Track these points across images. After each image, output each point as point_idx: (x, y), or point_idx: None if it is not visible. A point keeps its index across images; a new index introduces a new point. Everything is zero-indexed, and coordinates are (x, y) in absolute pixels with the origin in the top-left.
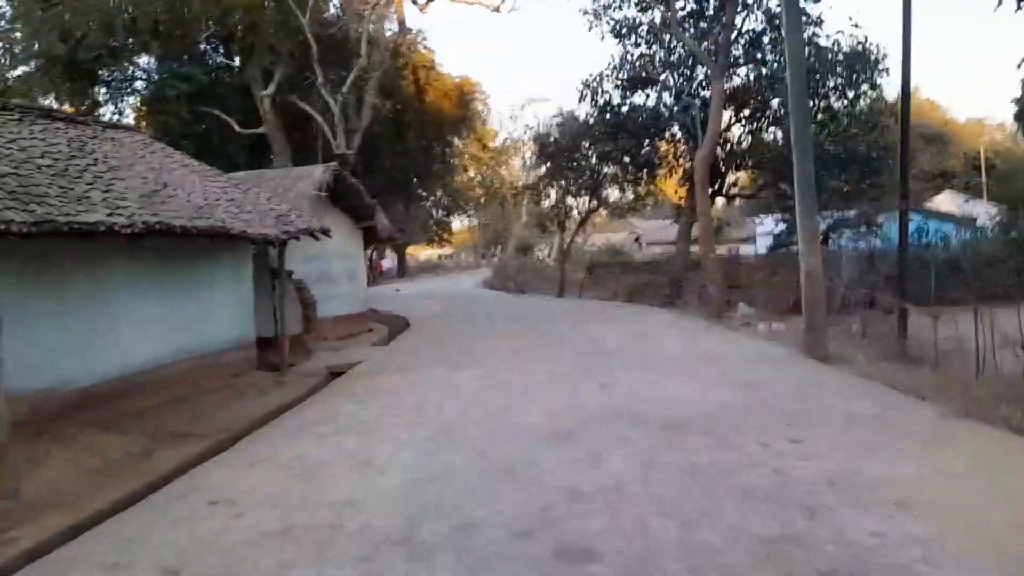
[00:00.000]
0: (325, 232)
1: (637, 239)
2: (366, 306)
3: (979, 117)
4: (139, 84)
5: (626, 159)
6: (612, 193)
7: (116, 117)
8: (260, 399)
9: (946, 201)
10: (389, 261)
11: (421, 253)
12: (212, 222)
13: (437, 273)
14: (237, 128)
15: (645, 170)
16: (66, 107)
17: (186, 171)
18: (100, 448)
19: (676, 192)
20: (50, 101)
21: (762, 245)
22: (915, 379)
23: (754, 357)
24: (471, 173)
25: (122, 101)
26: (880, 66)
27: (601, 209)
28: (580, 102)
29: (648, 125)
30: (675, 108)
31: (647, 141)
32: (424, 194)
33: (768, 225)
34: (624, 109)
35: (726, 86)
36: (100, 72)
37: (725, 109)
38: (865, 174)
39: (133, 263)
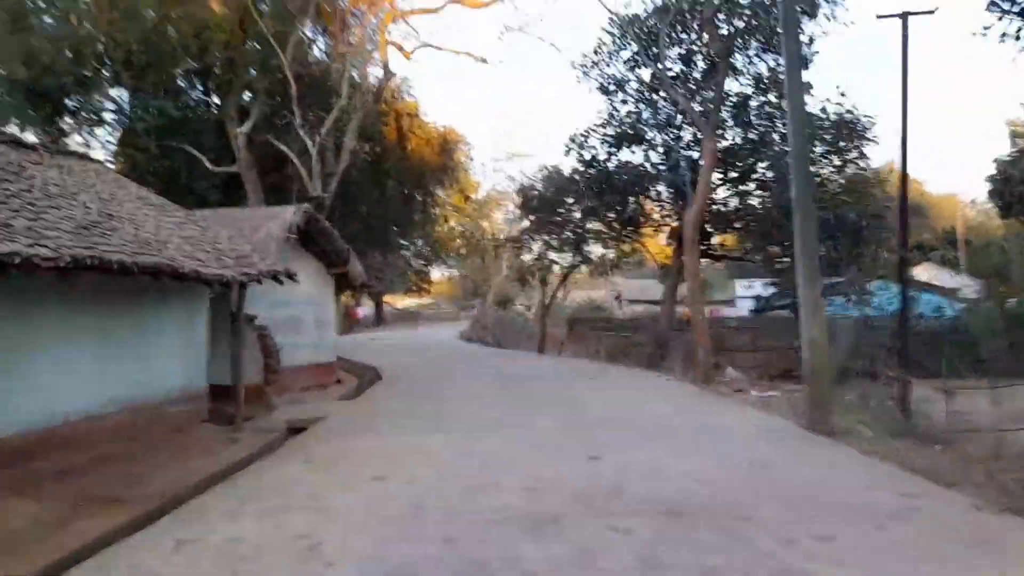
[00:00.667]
0: (291, 276)
1: (618, 296)
2: (335, 356)
3: (952, 192)
4: (109, 116)
5: (610, 215)
6: (595, 250)
7: (83, 149)
8: (205, 458)
9: (924, 273)
10: (365, 309)
11: (399, 302)
12: (158, 260)
13: (415, 323)
14: (209, 165)
15: (630, 227)
16: (29, 135)
17: (139, 204)
18: (5, 515)
19: (662, 251)
20: (11, 127)
21: (743, 307)
22: (932, 460)
23: (754, 430)
24: (452, 224)
25: (91, 132)
26: (867, 134)
27: (584, 265)
28: (567, 155)
29: (634, 182)
30: (662, 167)
31: (632, 199)
32: (403, 242)
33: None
34: (611, 166)
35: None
36: (67, 101)
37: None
38: (855, 241)
39: (66, 302)
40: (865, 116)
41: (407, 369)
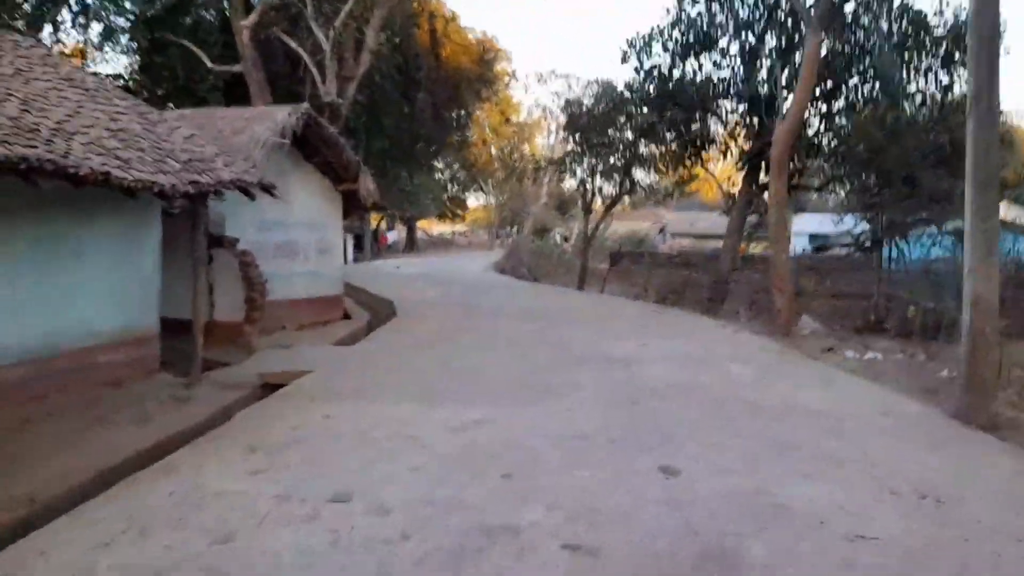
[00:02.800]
0: (268, 189)
1: (662, 230)
2: (341, 287)
3: None
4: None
5: (670, 136)
6: (646, 176)
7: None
8: (130, 430)
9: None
10: (395, 234)
11: (433, 228)
12: (27, 152)
13: (447, 250)
14: (209, 63)
15: (693, 149)
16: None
17: (62, 85)
18: None
19: (729, 178)
20: None
21: (797, 244)
22: None
23: (881, 417)
24: (491, 148)
25: (83, 27)
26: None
27: (634, 193)
28: (623, 62)
29: (703, 97)
30: (740, 77)
31: (699, 115)
32: (438, 164)
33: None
34: (676, 74)
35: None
36: None
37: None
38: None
39: None
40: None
41: (429, 305)
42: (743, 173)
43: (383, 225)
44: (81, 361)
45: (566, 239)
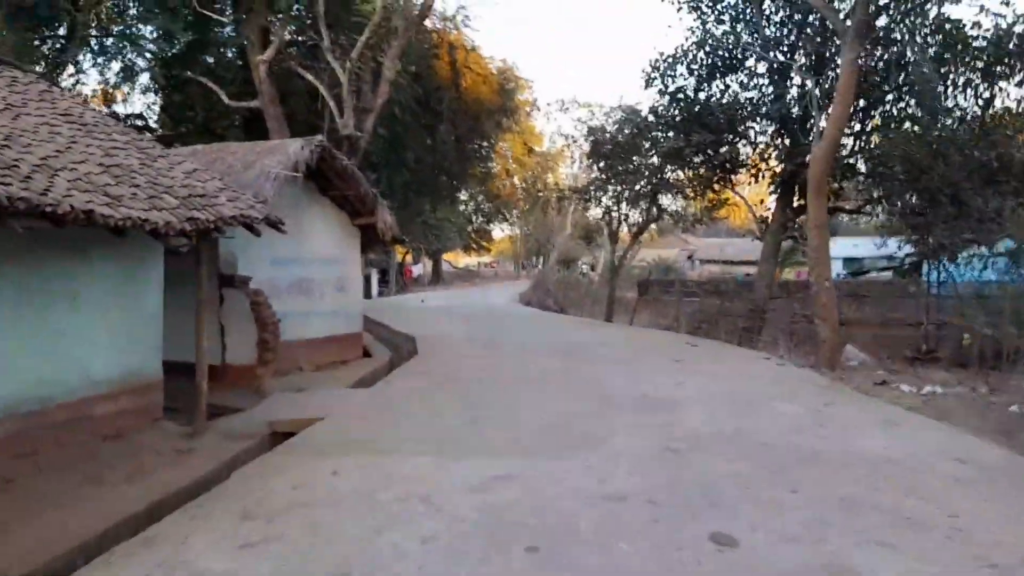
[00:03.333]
0: (275, 224)
1: (690, 256)
2: (360, 325)
3: None
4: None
5: (697, 160)
6: (673, 202)
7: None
8: (123, 490)
9: None
10: (419, 267)
11: (460, 260)
12: (28, 195)
13: (473, 282)
14: (227, 100)
15: (723, 173)
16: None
17: (57, 120)
18: None
19: (762, 202)
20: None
21: (842, 267)
22: None
23: (961, 466)
24: (515, 179)
25: (103, 65)
26: None
27: (661, 219)
28: (646, 87)
29: (730, 119)
30: (769, 97)
31: (728, 137)
32: (462, 196)
33: (840, 247)
34: (702, 97)
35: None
36: (57, 24)
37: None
38: (1018, 190)
39: None
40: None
41: (452, 341)
42: (775, 196)
43: (409, 258)
44: (77, 413)
45: (592, 268)
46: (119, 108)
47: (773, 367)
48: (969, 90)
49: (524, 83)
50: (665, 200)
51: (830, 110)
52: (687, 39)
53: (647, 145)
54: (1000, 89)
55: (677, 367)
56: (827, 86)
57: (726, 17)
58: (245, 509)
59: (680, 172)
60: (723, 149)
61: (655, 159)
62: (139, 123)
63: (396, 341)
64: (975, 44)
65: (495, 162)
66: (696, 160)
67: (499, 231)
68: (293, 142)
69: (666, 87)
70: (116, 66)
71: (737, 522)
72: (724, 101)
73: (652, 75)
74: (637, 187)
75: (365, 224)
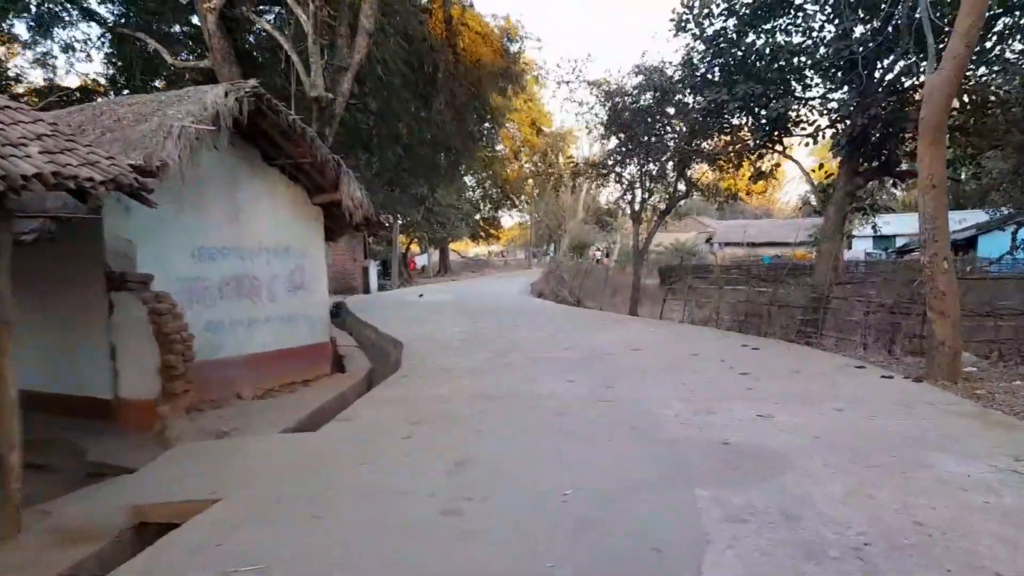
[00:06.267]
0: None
1: (709, 239)
2: (326, 332)
3: None
4: None
5: (739, 119)
6: (704, 176)
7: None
8: None
9: None
10: (423, 258)
11: (470, 249)
12: None
13: (483, 272)
14: (168, 58)
15: (774, 133)
16: None
17: None
18: None
19: (822, 167)
20: None
21: (859, 248)
22: None
23: None
24: (523, 162)
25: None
26: None
27: (690, 196)
28: (676, 33)
29: (783, 67)
30: (825, 38)
31: (780, 89)
32: (465, 179)
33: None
34: (747, 41)
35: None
36: None
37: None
38: None
39: None
40: None
41: (448, 348)
42: (839, 160)
43: (416, 248)
44: None
45: (607, 255)
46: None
47: (878, 381)
48: None
49: (530, 40)
50: (696, 173)
51: (958, 18)
52: None
53: (673, 111)
54: None
55: (747, 386)
56: None
57: None
58: None
59: (713, 139)
60: (773, 103)
61: (683, 125)
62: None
63: (384, 347)
64: None
65: (501, 143)
66: (736, 120)
67: (508, 219)
68: (213, 88)
69: (702, 30)
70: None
71: None
72: (774, 44)
73: (684, 17)
74: (664, 158)
75: (328, 202)
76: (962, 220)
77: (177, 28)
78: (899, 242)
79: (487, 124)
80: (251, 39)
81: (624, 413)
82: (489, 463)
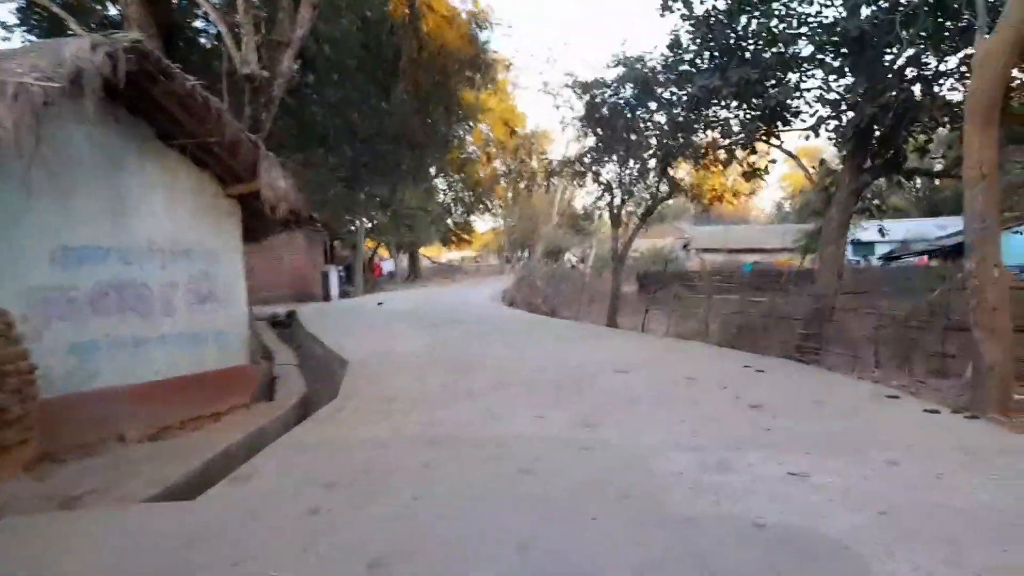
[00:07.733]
0: None
1: (686, 246)
2: (244, 353)
3: None
4: None
5: (729, 112)
6: (687, 175)
7: None
8: None
9: None
10: (390, 263)
11: (442, 255)
12: None
13: (453, 278)
14: (76, 29)
15: (773, 124)
16: None
17: None
18: None
19: (822, 163)
20: None
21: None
22: None
23: None
24: (496, 164)
25: None
26: None
27: (673, 195)
28: (665, 10)
29: (782, 52)
30: (827, 17)
31: (778, 74)
32: (433, 177)
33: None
34: (743, 21)
35: None
36: None
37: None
38: None
39: None
40: None
41: (402, 367)
42: (843, 154)
43: (385, 253)
44: None
45: (582, 260)
46: None
47: (922, 417)
48: None
49: (499, 25)
50: (679, 173)
51: None
52: None
53: (655, 106)
54: None
55: (763, 425)
56: None
57: None
58: None
59: (699, 134)
60: (772, 91)
61: (667, 118)
62: None
63: (331, 365)
64: None
65: (473, 143)
66: (726, 112)
67: (482, 224)
68: (76, 39)
69: (691, 9)
70: None
71: None
72: (771, 25)
73: None
74: (645, 155)
75: (245, 193)
76: (943, 227)
77: None
78: (879, 248)
79: (456, 121)
80: (181, 8)
81: (612, 469)
82: (419, 563)
